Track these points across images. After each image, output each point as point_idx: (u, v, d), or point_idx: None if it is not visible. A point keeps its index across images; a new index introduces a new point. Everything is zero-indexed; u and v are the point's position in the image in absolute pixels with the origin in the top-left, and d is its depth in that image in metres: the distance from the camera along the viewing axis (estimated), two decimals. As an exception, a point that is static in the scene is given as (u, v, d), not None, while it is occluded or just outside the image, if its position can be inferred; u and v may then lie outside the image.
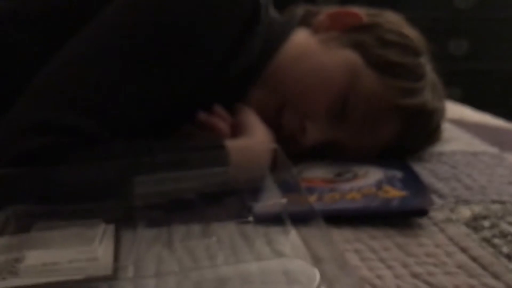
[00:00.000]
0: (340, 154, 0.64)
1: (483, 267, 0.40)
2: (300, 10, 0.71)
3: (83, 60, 0.51)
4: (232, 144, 0.51)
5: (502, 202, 0.51)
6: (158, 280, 0.36)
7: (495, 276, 0.39)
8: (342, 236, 0.45)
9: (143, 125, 0.52)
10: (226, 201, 0.46)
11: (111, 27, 0.53)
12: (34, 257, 0.38)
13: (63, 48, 0.53)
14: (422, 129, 0.66)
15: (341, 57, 0.63)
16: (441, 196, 0.53)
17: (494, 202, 0.51)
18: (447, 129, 0.74)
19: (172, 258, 0.40)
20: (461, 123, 0.79)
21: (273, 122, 0.59)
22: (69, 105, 0.48)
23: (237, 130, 0.57)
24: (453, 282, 0.38)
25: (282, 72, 0.62)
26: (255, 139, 0.55)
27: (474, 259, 0.41)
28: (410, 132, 0.64)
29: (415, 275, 0.39)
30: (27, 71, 0.53)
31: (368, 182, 0.53)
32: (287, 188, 0.48)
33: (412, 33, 0.68)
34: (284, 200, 0.44)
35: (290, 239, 0.42)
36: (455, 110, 0.93)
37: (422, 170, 0.60)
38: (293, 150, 0.57)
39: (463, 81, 2.32)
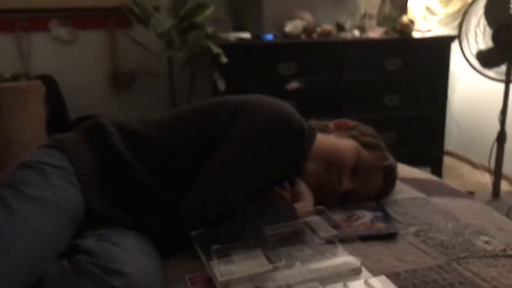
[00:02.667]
0: (353, 198, 1.17)
1: (422, 251, 0.95)
2: (312, 123, 1.27)
3: (226, 170, 1.02)
4: (297, 207, 1.04)
5: (428, 223, 1.07)
6: (287, 270, 0.88)
7: (425, 253, 0.94)
8: (361, 245, 0.98)
9: (252, 197, 1.04)
10: (306, 235, 0.99)
11: (237, 153, 1.03)
12: (236, 272, 0.88)
13: (210, 161, 1.03)
14: (391, 179, 1.23)
15: (348, 143, 1.19)
16: (400, 223, 1.08)
17: (424, 224, 1.06)
18: (398, 185, 1.31)
19: (294, 260, 0.91)
20: (404, 179, 1.36)
21: (321, 180, 1.13)
22: (225, 195, 0.99)
23: (295, 196, 1.10)
24: (411, 258, 0.93)
25: (322, 154, 1.15)
26: (306, 204, 1.08)
27: (418, 248, 0.96)
28: (386, 182, 1.20)
29: (395, 258, 0.93)
30: (186, 172, 1.04)
31: (366, 220, 1.07)
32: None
33: (369, 128, 1.26)
34: (335, 232, 0.97)
35: (339, 249, 0.95)
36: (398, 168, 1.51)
37: (390, 210, 1.14)
38: (330, 197, 1.12)
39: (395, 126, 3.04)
